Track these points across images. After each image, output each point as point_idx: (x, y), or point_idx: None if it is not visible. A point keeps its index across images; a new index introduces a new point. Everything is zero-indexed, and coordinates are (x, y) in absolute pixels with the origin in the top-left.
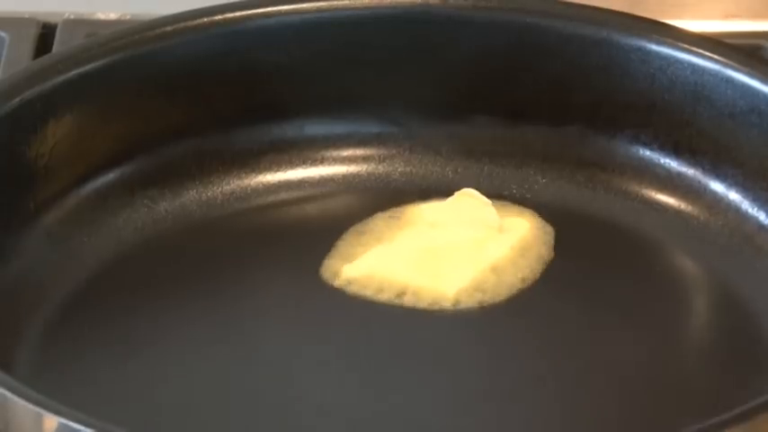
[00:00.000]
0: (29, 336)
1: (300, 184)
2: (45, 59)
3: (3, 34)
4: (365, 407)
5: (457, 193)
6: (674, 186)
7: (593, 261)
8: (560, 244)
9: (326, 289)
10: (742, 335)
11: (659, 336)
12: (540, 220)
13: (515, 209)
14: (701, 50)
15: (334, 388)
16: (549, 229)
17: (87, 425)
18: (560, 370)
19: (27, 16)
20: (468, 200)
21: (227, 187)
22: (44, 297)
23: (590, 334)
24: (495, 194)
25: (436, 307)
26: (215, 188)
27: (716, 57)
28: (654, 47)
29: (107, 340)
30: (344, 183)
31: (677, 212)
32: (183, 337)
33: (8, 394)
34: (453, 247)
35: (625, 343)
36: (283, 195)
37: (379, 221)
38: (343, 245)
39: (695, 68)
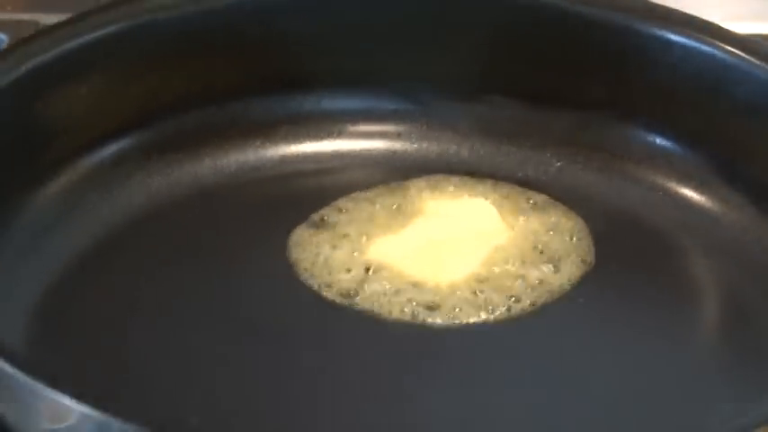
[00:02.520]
0: (35, 292)
1: (316, 156)
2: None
3: (2, 36)
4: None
5: (467, 199)
6: (689, 178)
7: (602, 249)
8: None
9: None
10: (749, 334)
11: (668, 330)
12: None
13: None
14: (723, 44)
15: (332, 362)
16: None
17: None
18: (562, 365)
19: (27, 18)
20: (476, 202)
21: (242, 156)
22: (53, 255)
23: (593, 330)
24: (509, 176)
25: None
26: (230, 157)
27: (738, 51)
28: (676, 38)
29: (109, 303)
30: (360, 157)
31: (691, 204)
32: (188, 304)
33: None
34: (459, 240)
35: (631, 336)
36: (299, 167)
37: (385, 209)
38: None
39: (717, 61)
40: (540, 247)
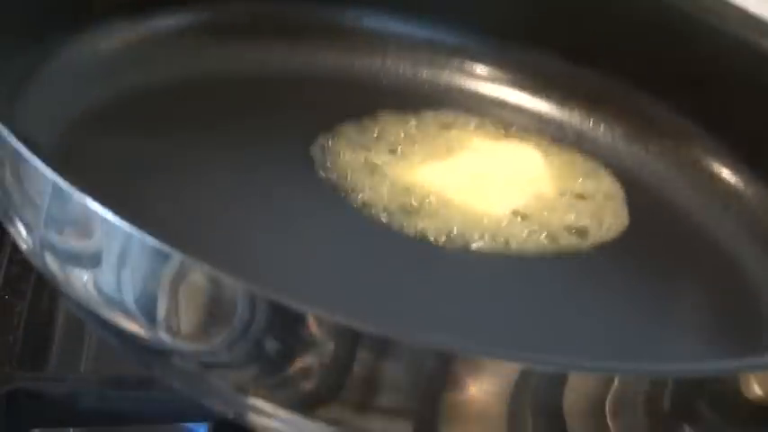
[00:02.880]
0: (52, 136)
1: (347, 70)
2: None
3: None
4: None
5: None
6: (708, 160)
7: (631, 214)
8: None
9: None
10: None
11: (679, 297)
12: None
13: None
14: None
15: (330, 242)
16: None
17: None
18: (562, 308)
19: None
20: (522, 148)
21: (274, 53)
22: (79, 103)
23: (606, 284)
24: (533, 129)
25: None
26: (261, 52)
27: None
28: (723, 27)
29: (123, 156)
30: (387, 78)
31: (707, 183)
32: (204, 166)
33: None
34: (502, 178)
35: (641, 297)
36: (322, 76)
37: (421, 134)
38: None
39: (758, 55)
40: (575, 202)
